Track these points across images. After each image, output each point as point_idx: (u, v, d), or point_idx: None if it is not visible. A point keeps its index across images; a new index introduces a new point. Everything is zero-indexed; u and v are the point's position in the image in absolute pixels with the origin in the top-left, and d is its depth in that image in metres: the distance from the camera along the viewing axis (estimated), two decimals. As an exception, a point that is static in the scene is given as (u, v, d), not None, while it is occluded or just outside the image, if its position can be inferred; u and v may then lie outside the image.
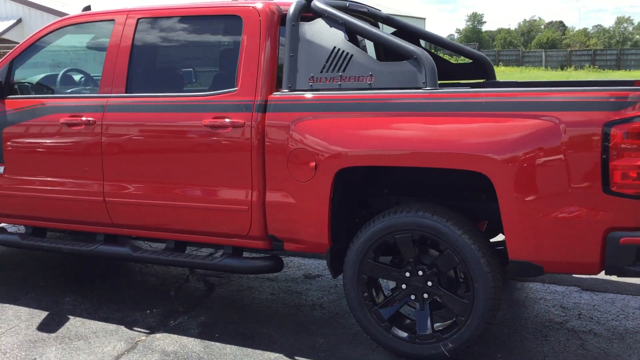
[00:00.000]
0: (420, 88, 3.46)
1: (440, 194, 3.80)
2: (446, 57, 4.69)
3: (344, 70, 3.65)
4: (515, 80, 5.02)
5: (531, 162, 3.12)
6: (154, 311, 4.32)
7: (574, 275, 4.85)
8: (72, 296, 4.60)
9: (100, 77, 4.85)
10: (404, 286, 3.56)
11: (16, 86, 4.59)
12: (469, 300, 3.38)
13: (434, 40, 4.95)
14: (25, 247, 4.62)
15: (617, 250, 3.05)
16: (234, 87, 3.86)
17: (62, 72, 4.90)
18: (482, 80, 4.85)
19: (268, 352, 3.70)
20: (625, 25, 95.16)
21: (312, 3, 3.85)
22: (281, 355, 3.67)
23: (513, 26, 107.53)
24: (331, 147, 3.52)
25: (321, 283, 4.87)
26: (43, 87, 4.80)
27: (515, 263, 3.28)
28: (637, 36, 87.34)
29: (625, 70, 42.70)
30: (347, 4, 4.19)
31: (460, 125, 3.28)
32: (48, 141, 4.34)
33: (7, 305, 4.44)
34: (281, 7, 3.96)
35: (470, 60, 4.89)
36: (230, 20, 4.01)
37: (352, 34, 3.81)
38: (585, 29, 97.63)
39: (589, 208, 3.08)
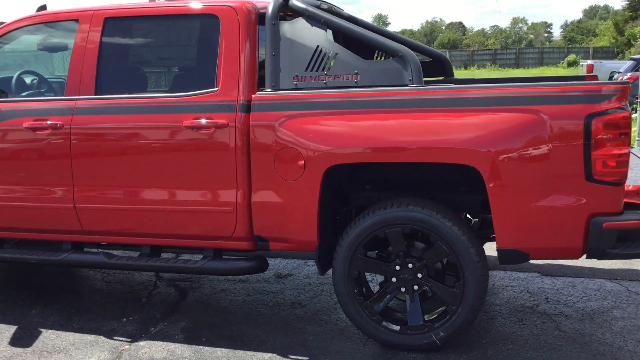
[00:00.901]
0: (406, 85, 3.55)
1: (420, 188, 3.90)
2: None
3: (329, 69, 3.68)
4: (488, 77, 5.21)
5: (518, 154, 3.27)
6: (130, 319, 4.20)
7: (532, 262, 5.10)
8: (38, 308, 4.40)
9: (55, 80, 4.68)
10: (394, 279, 3.64)
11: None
12: (460, 289, 3.50)
13: (394, 40, 5.05)
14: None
15: (599, 234, 3.25)
16: (214, 87, 3.81)
17: (16, 74, 4.66)
18: (441, 78, 5.01)
19: (260, 353, 3.68)
20: (520, 25, 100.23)
21: (290, 2, 3.86)
22: (274, 354, 3.67)
23: (416, 27, 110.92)
24: (320, 145, 3.55)
25: (294, 282, 4.89)
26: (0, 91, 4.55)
27: (503, 251, 3.43)
28: (532, 36, 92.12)
29: (524, 68, 44.93)
30: (319, 3, 4.23)
31: (449, 121, 3.39)
32: (9, 147, 4.13)
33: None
34: (257, 5, 3.94)
35: (430, 59, 5.04)
36: (206, 19, 3.95)
37: (334, 32, 3.84)
38: (483, 29, 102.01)
39: (573, 196, 3.26)
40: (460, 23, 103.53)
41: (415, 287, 3.61)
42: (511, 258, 3.45)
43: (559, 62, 45.73)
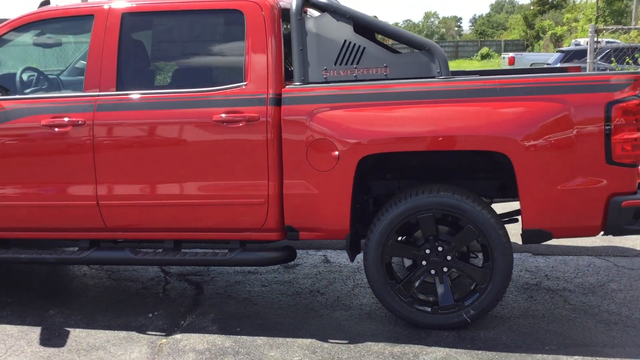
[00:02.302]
0: (435, 77, 3.74)
1: (440, 176, 4.10)
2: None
3: (357, 63, 3.82)
4: (500, 69, 5.46)
5: (545, 141, 3.52)
6: (155, 314, 4.21)
7: (521, 244, 5.42)
8: (55, 309, 4.33)
9: (55, 75, 4.62)
10: (424, 262, 3.82)
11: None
12: (489, 269, 3.72)
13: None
14: (-2, 261, 4.27)
15: (618, 212, 3.55)
16: (241, 82, 3.88)
17: (19, 70, 4.55)
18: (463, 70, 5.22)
19: (299, 339, 3.79)
20: (432, 19, 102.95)
21: None
22: (313, 339, 3.78)
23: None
24: (355, 136, 3.68)
25: (303, 271, 5.01)
26: (2, 88, 4.43)
27: (529, 232, 3.68)
28: (443, 30, 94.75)
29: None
30: None
31: (480, 110, 3.61)
32: (27, 146, 4.05)
33: (-15, 325, 4.09)
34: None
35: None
36: (229, 15, 4.01)
37: (360, 26, 3.98)
38: (396, 23, 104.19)
39: (595, 178, 3.55)
40: (375, 16, 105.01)
41: (445, 269, 3.81)
42: (536, 237, 3.71)
43: (472, 55, 47.29)
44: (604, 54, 15.92)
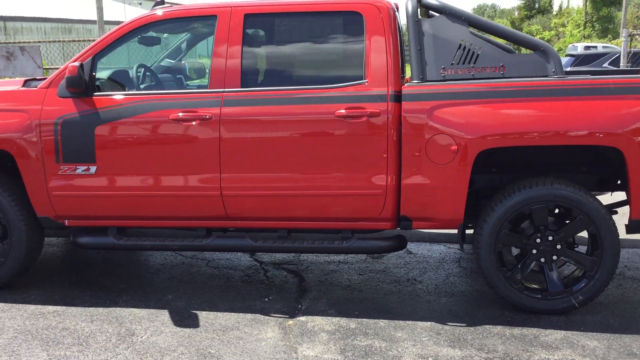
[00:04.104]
0: (549, 76, 3.98)
1: (542, 169, 4.35)
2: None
3: (475, 62, 4.07)
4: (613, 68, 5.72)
5: None
6: (270, 299, 4.44)
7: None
8: (172, 294, 4.55)
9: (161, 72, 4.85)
10: (534, 251, 4.07)
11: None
12: (598, 257, 3.97)
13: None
14: (121, 249, 4.50)
15: None
16: (362, 80, 4.12)
17: (135, 67, 4.78)
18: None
19: (419, 322, 4.03)
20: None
21: (423, 0, 4.23)
22: (433, 322, 4.03)
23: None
24: (474, 131, 3.93)
25: (391, 261, 5.25)
26: (117, 83, 4.67)
27: (637, 222, 3.93)
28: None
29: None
30: None
31: (595, 107, 3.85)
32: (155, 138, 4.27)
33: (108, 309, 4.29)
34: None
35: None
36: (349, 16, 4.24)
37: (474, 27, 4.22)
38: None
39: None
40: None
41: (554, 257, 4.06)
42: (641, 228, 3.97)
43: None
44: (612, 59, 16.27)
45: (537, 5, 52.06)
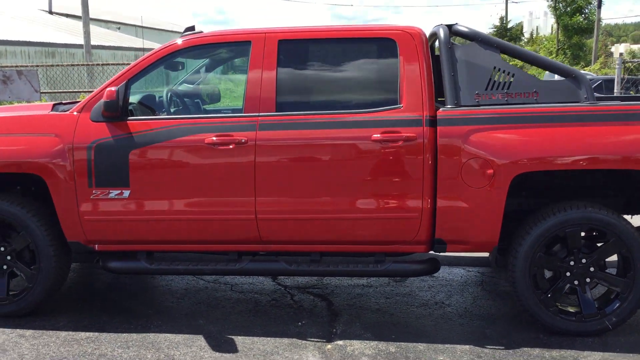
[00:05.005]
0: (582, 102, 4.09)
1: (570, 193, 4.43)
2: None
3: (508, 87, 4.16)
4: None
5: None
6: (303, 323, 4.43)
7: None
8: (202, 319, 4.51)
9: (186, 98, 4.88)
10: (567, 274, 4.13)
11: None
12: (631, 278, 4.05)
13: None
14: (154, 273, 4.47)
15: None
16: (397, 105, 4.18)
17: (165, 92, 4.80)
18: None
19: (458, 345, 4.05)
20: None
21: (458, 28, 4.32)
22: (470, 345, 4.05)
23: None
24: (510, 155, 4.00)
25: (415, 284, 5.27)
26: (147, 107, 4.68)
27: None
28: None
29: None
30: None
31: (628, 132, 3.96)
32: (190, 162, 4.27)
33: (141, 334, 4.24)
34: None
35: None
36: (382, 43, 4.32)
37: (507, 54, 4.32)
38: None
39: None
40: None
41: (588, 280, 4.12)
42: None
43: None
44: (596, 84, 16.75)
45: (508, 33, 53.29)
